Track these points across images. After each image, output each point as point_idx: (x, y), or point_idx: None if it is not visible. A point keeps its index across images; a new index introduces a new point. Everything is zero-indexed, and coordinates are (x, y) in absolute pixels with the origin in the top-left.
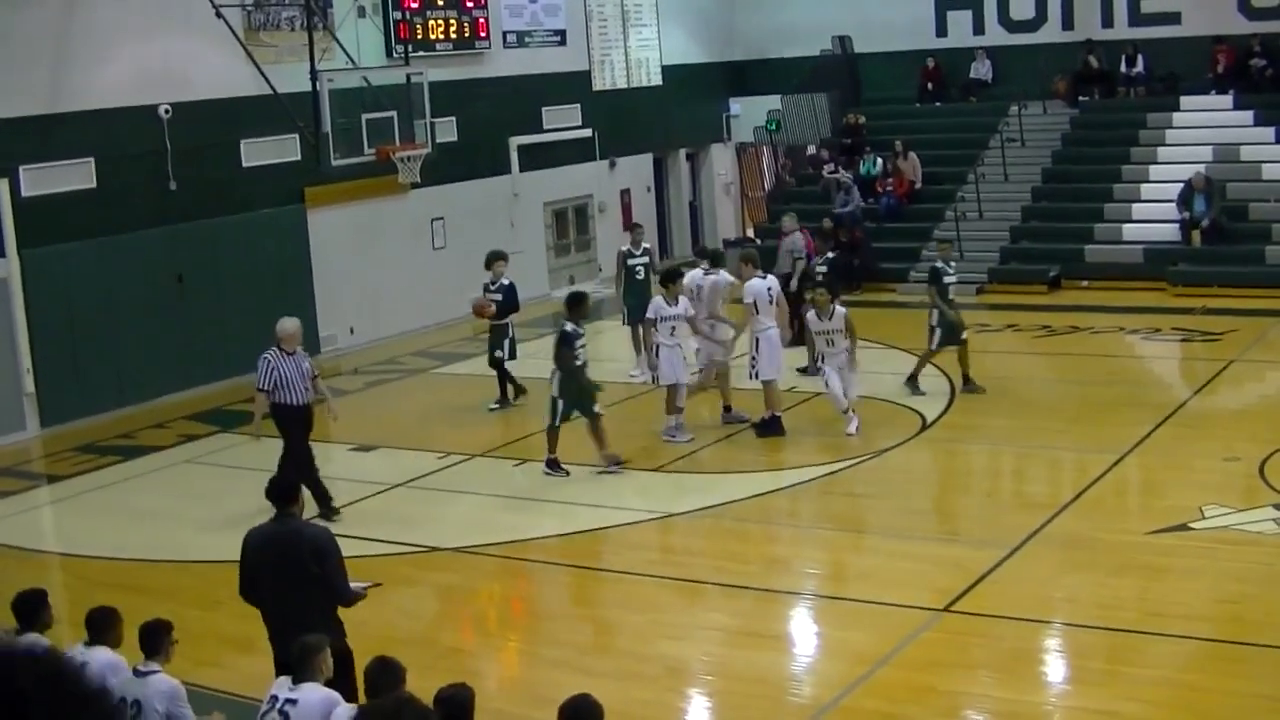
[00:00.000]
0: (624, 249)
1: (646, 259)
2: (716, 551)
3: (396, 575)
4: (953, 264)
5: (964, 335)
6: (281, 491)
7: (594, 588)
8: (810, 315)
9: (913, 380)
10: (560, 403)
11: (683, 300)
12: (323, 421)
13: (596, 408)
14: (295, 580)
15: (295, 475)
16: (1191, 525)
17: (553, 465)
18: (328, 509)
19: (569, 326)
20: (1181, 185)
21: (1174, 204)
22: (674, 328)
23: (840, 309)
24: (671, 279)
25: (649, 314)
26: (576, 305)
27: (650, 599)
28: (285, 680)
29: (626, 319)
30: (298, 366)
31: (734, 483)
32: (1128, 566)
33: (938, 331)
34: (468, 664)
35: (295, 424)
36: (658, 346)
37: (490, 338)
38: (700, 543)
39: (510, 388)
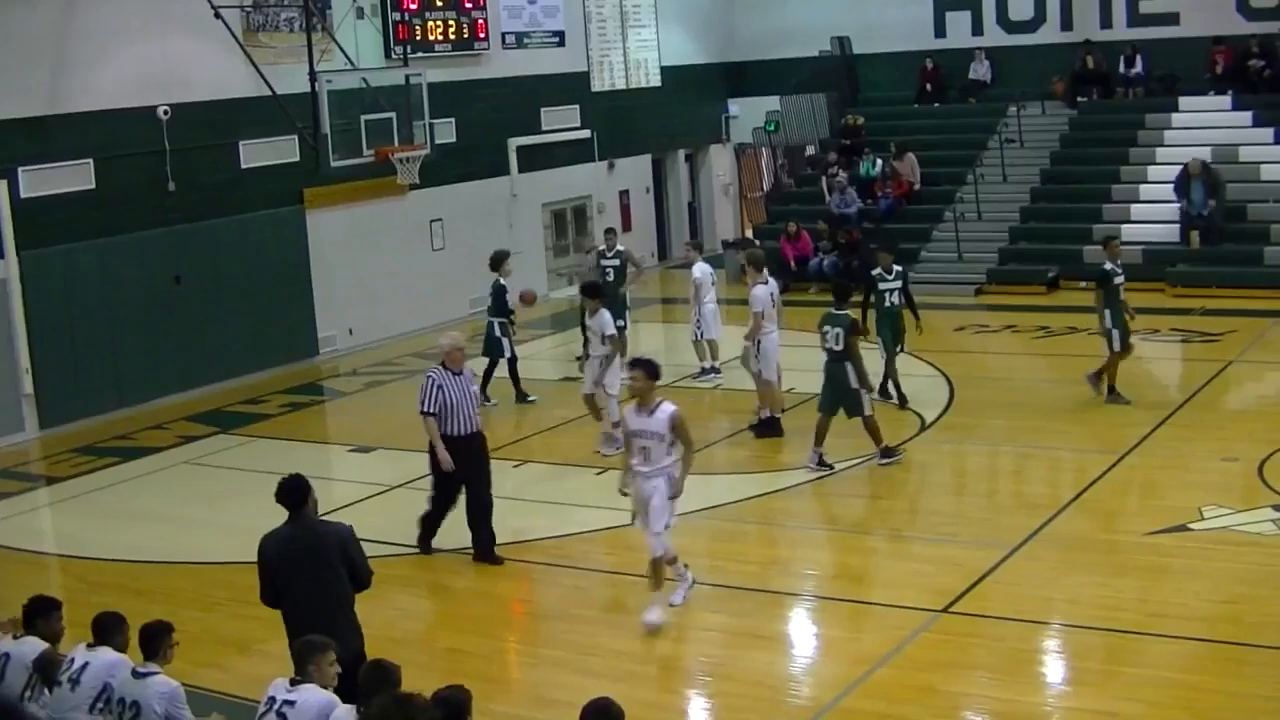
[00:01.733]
0: (600, 248)
1: (618, 261)
2: (715, 552)
3: (396, 576)
4: (1119, 263)
5: (1130, 341)
6: (291, 492)
7: (593, 589)
8: (628, 411)
9: (1111, 390)
10: (863, 393)
11: (602, 314)
12: (324, 421)
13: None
14: (321, 581)
15: (437, 510)
16: (1190, 526)
17: (887, 453)
18: (425, 545)
19: (855, 316)
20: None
21: (1172, 191)
22: (586, 339)
23: (668, 406)
24: (591, 293)
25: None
26: (847, 296)
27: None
28: (283, 681)
29: None
30: (464, 388)
31: (733, 484)
32: (1127, 567)
33: (1115, 333)
34: (467, 665)
35: (458, 456)
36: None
37: (508, 338)
38: (699, 544)
39: (485, 387)
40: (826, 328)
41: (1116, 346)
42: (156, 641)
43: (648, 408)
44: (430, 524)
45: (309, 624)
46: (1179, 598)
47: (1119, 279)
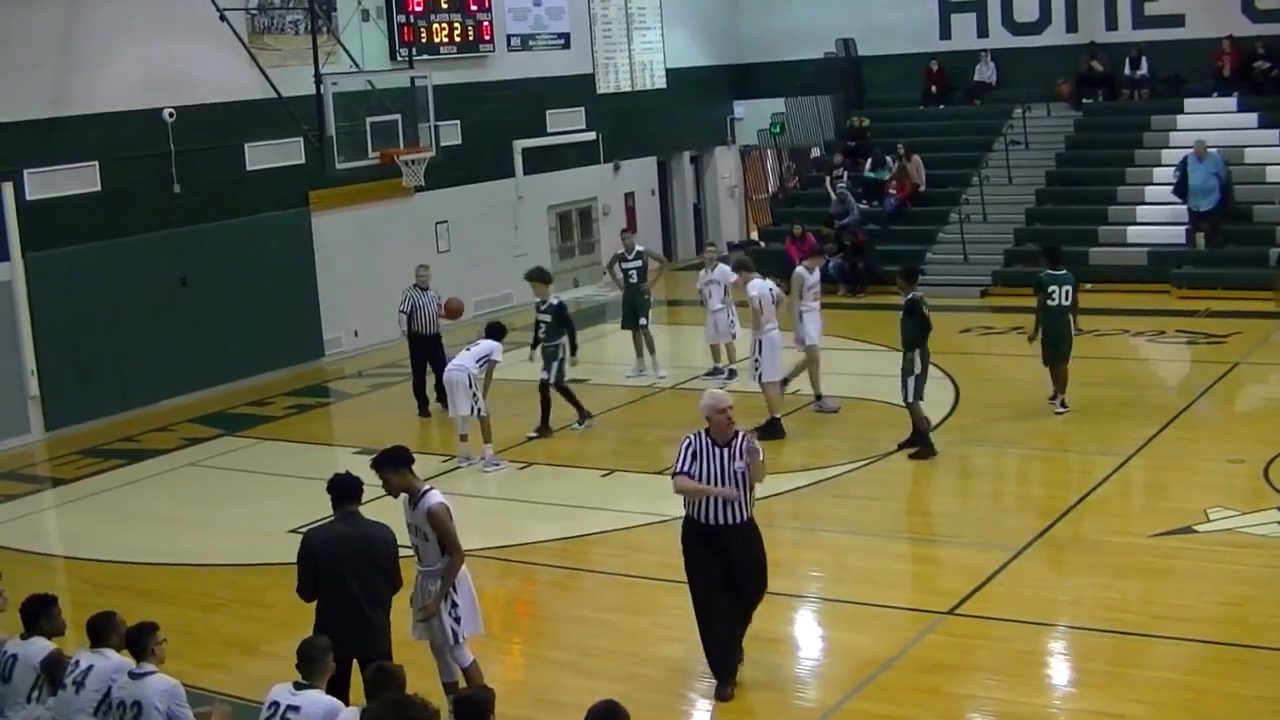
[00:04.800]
0: (618, 252)
1: (640, 263)
2: None
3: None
4: None
5: None
6: (344, 488)
7: (597, 590)
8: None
9: None
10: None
11: (485, 342)
12: (329, 423)
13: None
14: (366, 580)
15: (710, 636)
16: (1196, 528)
17: (1062, 404)
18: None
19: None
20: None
21: (1172, 194)
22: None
23: (432, 498)
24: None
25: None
26: (1059, 257)
27: (653, 601)
28: (286, 686)
29: (623, 323)
30: (723, 463)
31: None
32: (1132, 569)
33: None
34: None
35: (714, 549)
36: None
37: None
38: None
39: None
40: (1053, 288)
41: None
42: (142, 642)
43: (413, 498)
44: (711, 648)
45: (350, 622)
46: (1184, 599)
47: None
